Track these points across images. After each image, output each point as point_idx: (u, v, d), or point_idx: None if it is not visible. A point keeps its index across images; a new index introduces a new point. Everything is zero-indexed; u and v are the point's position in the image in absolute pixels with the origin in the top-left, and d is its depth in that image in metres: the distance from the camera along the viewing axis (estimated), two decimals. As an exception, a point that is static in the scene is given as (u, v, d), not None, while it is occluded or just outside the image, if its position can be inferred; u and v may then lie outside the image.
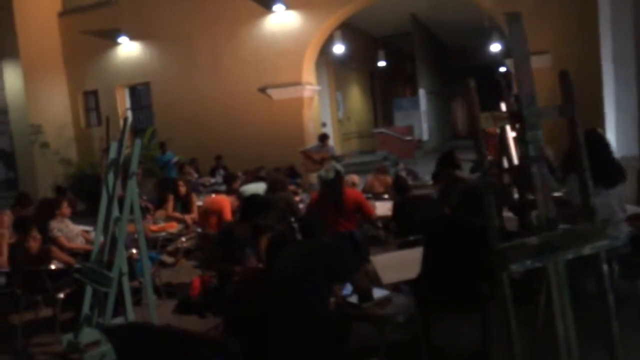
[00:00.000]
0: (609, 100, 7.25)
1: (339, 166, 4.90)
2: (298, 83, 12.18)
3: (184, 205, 6.91)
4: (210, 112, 12.82)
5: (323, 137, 9.92)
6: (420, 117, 19.30)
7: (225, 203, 5.68)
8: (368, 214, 4.98)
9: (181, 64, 13.15)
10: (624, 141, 7.03)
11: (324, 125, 15.20)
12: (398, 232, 4.79)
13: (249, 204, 4.12)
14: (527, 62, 2.81)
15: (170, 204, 6.86)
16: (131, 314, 4.56)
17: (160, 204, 8.97)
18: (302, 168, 10.74)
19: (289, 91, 12.23)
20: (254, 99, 12.48)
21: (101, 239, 4.49)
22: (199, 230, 5.75)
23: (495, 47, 17.68)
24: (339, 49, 13.84)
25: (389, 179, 6.96)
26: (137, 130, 14.60)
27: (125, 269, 4.40)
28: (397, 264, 3.81)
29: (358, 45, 18.11)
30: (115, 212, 4.37)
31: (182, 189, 6.88)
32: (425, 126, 19.38)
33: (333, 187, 4.81)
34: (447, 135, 25.90)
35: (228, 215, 5.63)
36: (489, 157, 9.69)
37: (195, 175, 10.13)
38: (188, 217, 6.71)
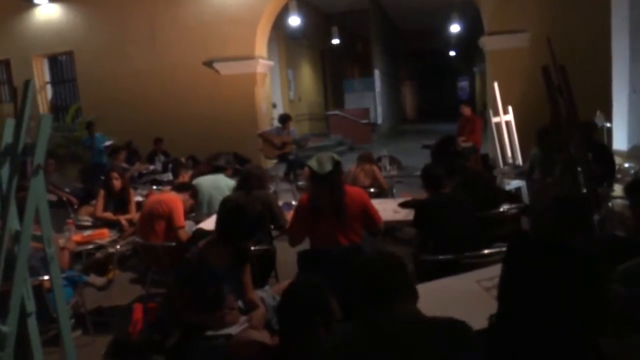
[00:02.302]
0: (619, 80, 6.34)
1: (336, 156, 3.59)
2: (250, 57, 10.70)
3: (119, 203, 5.38)
4: (146, 88, 11.10)
5: (284, 119, 8.54)
6: (372, 99, 18.28)
7: (176, 203, 4.23)
8: (375, 221, 3.62)
9: (111, 31, 11.29)
10: (638, 128, 6.14)
11: (274, 106, 13.79)
12: (422, 245, 3.52)
13: (233, 218, 2.74)
14: None
15: (100, 203, 5.30)
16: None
17: (86, 197, 7.36)
18: (260, 153, 9.34)
19: (239, 66, 10.72)
20: (199, 73, 10.90)
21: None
22: (139, 239, 4.28)
23: (455, 28, 16.77)
24: (294, 21, 12.41)
25: (376, 169, 5.73)
26: (59, 108, 12.64)
27: (31, 307, 2.94)
28: (442, 303, 2.57)
29: (309, 21, 16.73)
30: (14, 222, 2.88)
31: (116, 183, 5.32)
32: (379, 109, 18.37)
33: (331, 183, 3.50)
34: (398, 118, 25.10)
35: (180, 219, 4.19)
36: (468, 143, 8.70)
37: (124, 165, 8.46)
38: (123, 218, 5.20)
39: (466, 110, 9.12)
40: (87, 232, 4.31)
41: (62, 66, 12.61)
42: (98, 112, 10.80)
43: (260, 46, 11.02)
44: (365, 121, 15.75)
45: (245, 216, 2.73)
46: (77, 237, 4.22)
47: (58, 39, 11.57)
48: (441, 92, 29.34)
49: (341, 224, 3.44)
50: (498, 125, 7.04)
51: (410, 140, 17.10)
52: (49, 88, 12.55)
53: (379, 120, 18.27)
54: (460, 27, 16.82)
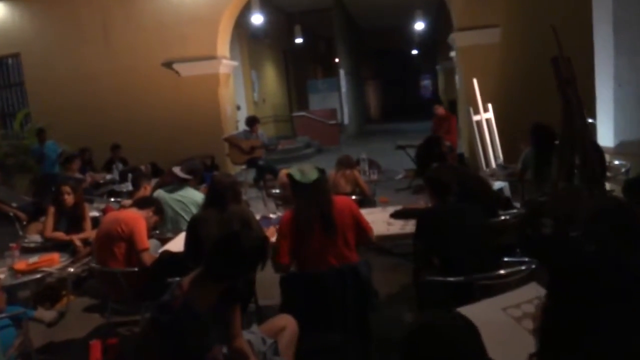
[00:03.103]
0: (603, 74, 6.11)
1: (312, 165, 3.17)
2: (212, 57, 10.15)
3: (71, 220, 4.76)
4: (102, 91, 10.42)
5: (252, 121, 8.02)
6: (337, 99, 17.92)
7: (138, 223, 3.63)
8: (366, 232, 3.17)
9: (61, 31, 10.55)
10: (624, 123, 5.92)
11: (238, 108, 13.22)
12: (425, 261, 3.07)
13: (227, 252, 2.23)
14: None
15: (50, 221, 4.66)
16: None
17: (36, 212, 6.67)
18: (227, 159, 8.79)
19: (201, 66, 10.17)
20: (158, 75, 10.29)
21: None
22: (95, 264, 3.70)
23: (419, 26, 16.57)
24: (257, 19, 11.90)
25: (357, 174, 5.30)
26: (6, 114, 11.76)
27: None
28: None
29: (271, 20, 16.22)
30: None
31: (68, 198, 4.69)
32: (345, 109, 18.02)
33: (317, 193, 3.06)
34: (364, 118, 24.85)
35: (143, 241, 3.59)
36: (446, 143, 8.41)
37: (78, 175, 7.81)
38: (77, 238, 4.59)
39: (440, 110, 8.85)
40: (33, 259, 3.71)
41: (8, 69, 11.71)
42: (49, 118, 10.03)
43: (223, 46, 10.48)
44: (332, 122, 15.37)
45: (242, 250, 2.23)
46: (21, 264, 3.61)
47: (3, 40, 10.75)
48: (404, 91, 29.26)
49: (332, 239, 3.00)
50: (479, 123, 6.74)
51: (378, 140, 16.82)
52: (-7, 93, 11.67)
53: (346, 121, 17.93)
54: (423, 24, 16.65)
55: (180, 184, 4.74)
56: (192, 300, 2.15)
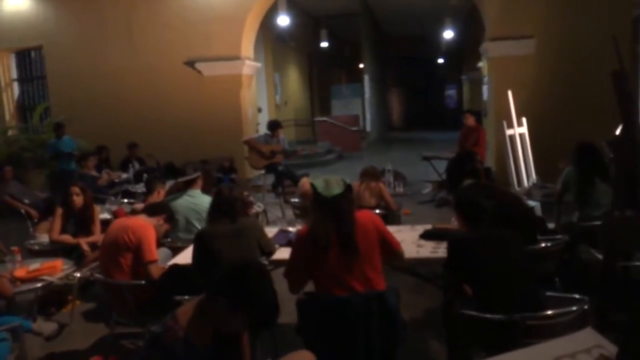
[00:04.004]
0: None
1: (339, 177, 2.88)
2: (236, 57, 9.93)
3: (80, 222, 4.54)
4: (122, 88, 10.27)
5: (274, 126, 7.74)
6: (360, 105, 17.61)
7: (147, 232, 3.33)
8: (395, 250, 2.86)
9: (85, 25, 10.43)
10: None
11: (259, 110, 13.01)
12: (457, 292, 2.75)
13: (230, 282, 1.92)
14: None
15: (58, 223, 4.43)
16: None
17: (47, 209, 6.49)
18: (246, 162, 8.55)
19: (224, 66, 9.95)
20: (180, 74, 10.10)
21: None
22: (99, 275, 3.43)
23: (448, 34, 16.17)
24: (283, 20, 11.67)
25: (382, 187, 4.99)
26: (27, 107, 11.69)
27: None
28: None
29: (297, 23, 16.01)
30: None
31: (77, 200, 4.48)
32: (368, 116, 17.71)
33: (337, 210, 2.78)
34: (386, 126, 24.50)
35: (151, 252, 3.31)
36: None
37: (94, 173, 7.64)
38: (85, 242, 4.36)
39: (470, 120, 8.43)
40: (35, 265, 3.47)
41: (30, 62, 11.66)
42: (69, 112, 9.90)
43: (247, 46, 10.26)
44: (355, 128, 15.08)
45: (252, 283, 1.90)
46: (21, 271, 3.38)
47: (26, 32, 10.66)
48: (428, 100, 28.84)
49: (353, 259, 2.70)
50: (512, 138, 6.38)
51: (400, 149, 16.48)
52: (15, 86, 11.59)
53: (368, 128, 17.62)
54: (452, 33, 16.25)
55: (186, 187, 4.47)
56: (190, 332, 1.85)
